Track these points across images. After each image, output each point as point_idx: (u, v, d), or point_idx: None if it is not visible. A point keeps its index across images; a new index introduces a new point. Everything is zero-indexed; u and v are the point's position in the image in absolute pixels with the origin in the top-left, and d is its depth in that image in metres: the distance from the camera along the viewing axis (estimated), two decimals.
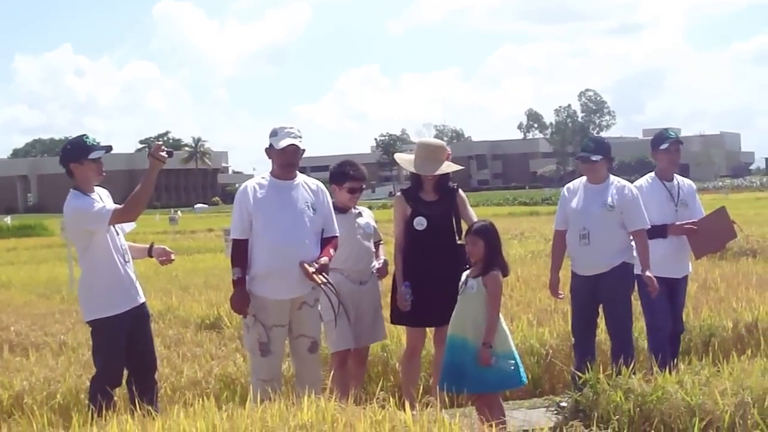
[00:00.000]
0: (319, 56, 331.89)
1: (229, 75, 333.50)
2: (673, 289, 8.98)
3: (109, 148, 7.54)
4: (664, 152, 9.10)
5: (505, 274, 7.62)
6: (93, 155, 7.42)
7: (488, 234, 7.53)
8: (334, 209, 8.01)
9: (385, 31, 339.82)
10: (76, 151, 7.45)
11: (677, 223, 8.93)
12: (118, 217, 7.33)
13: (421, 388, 8.35)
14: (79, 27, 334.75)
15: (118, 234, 7.52)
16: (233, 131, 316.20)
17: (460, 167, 8.61)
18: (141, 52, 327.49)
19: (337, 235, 7.77)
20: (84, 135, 7.52)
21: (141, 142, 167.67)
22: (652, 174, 9.19)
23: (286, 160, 7.60)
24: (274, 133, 7.59)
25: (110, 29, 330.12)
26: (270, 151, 7.62)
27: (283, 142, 7.52)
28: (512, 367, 7.41)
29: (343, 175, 8.33)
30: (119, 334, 7.42)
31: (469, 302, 7.44)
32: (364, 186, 8.46)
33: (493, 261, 7.48)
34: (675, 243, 8.94)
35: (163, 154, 7.29)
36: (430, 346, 8.87)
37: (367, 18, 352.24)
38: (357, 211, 8.43)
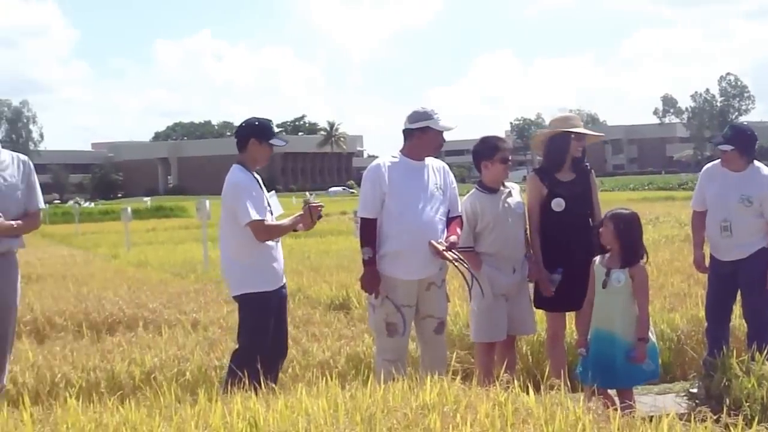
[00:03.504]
0: (452, 40, 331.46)
1: (363, 59, 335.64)
2: None
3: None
4: None
5: (646, 262, 7.29)
6: (274, 141, 7.68)
7: (625, 221, 7.14)
8: (482, 189, 8.00)
9: (519, 15, 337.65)
10: (262, 131, 7.65)
11: None
12: (258, 232, 7.41)
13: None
14: (218, 13, 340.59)
15: (272, 214, 7.66)
16: (367, 115, 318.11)
17: (601, 134, 8.29)
18: (276, 37, 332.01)
19: (461, 215, 7.73)
20: (270, 120, 7.85)
21: (278, 125, 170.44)
22: None
23: (440, 142, 7.60)
24: (428, 116, 7.47)
25: (247, 15, 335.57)
26: (422, 132, 7.47)
27: (448, 124, 7.52)
28: (654, 366, 7.18)
29: (493, 147, 7.99)
30: (268, 311, 7.48)
31: (615, 295, 7.08)
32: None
33: (635, 250, 7.14)
34: None
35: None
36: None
37: (501, 1, 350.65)
38: (507, 190, 8.04)
